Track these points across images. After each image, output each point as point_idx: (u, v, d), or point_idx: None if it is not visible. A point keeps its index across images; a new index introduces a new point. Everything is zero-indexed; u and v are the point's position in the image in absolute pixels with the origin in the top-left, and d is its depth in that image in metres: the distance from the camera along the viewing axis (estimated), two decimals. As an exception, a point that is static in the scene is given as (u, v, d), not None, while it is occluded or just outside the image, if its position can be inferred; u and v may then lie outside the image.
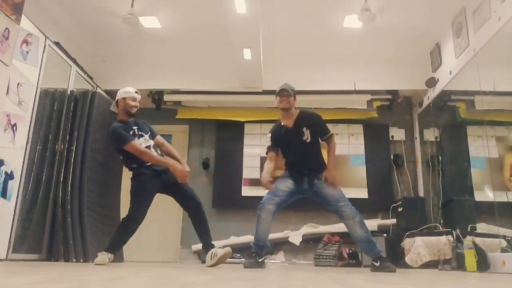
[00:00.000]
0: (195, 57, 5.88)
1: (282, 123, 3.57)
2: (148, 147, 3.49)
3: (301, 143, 3.43)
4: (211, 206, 6.03)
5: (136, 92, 3.65)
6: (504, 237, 3.83)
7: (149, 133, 3.62)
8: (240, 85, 5.81)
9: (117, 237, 3.48)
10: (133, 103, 3.58)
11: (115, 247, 3.46)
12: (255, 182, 6.11)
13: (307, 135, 3.43)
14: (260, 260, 3.34)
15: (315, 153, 3.50)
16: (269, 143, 3.58)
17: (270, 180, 3.39)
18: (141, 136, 3.52)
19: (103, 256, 3.27)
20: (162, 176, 3.47)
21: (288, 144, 3.51)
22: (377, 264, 3.19)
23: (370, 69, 5.79)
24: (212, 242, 3.49)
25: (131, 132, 3.48)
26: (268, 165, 3.49)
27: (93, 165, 4.39)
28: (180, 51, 5.88)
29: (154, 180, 3.45)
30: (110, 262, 3.32)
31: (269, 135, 3.62)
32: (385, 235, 5.09)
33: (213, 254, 3.31)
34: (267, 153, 3.59)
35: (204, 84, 5.88)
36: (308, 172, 3.42)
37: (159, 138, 3.69)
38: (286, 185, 3.43)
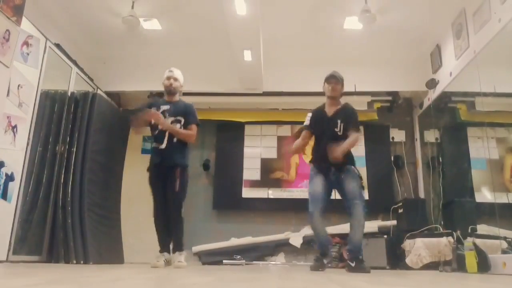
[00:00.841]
0: (195, 59, 5.88)
1: (325, 109, 3.66)
2: (164, 131, 3.52)
3: (334, 133, 3.50)
4: (211, 208, 6.03)
5: (170, 71, 3.71)
6: (505, 238, 3.82)
7: (180, 118, 3.59)
8: (240, 86, 5.81)
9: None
10: (166, 82, 3.67)
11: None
12: (255, 184, 6.12)
13: (339, 128, 3.51)
14: (325, 262, 3.49)
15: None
16: (307, 122, 3.67)
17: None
18: (164, 117, 3.55)
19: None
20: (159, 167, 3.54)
21: (322, 131, 3.58)
22: (353, 264, 3.30)
23: (371, 70, 5.79)
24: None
25: (154, 109, 3.55)
26: (300, 142, 3.65)
27: (94, 167, 4.39)
28: (180, 52, 5.88)
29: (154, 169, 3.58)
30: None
31: (310, 114, 3.70)
32: (385, 236, 5.08)
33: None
34: (301, 130, 3.71)
35: (205, 85, 5.88)
36: (334, 163, 3.44)
37: (190, 127, 3.63)
38: (320, 185, 3.49)
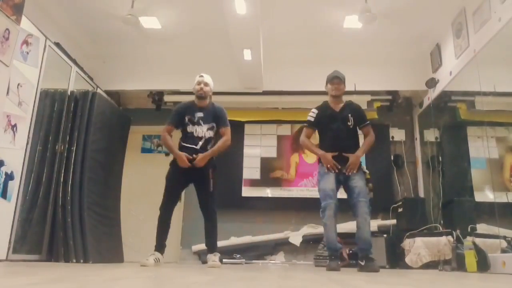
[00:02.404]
0: (195, 58, 5.87)
1: (330, 106, 3.74)
2: (200, 137, 3.61)
3: (345, 127, 3.61)
4: (211, 207, 6.03)
5: (200, 76, 3.79)
6: (504, 237, 3.82)
7: (213, 124, 3.69)
8: (240, 85, 5.80)
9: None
10: (197, 87, 3.74)
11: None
12: (255, 183, 6.12)
13: (351, 121, 3.63)
14: (338, 262, 3.50)
15: (354, 141, 3.67)
16: (311, 119, 3.73)
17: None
18: (199, 124, 3.64)
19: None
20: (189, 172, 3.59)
21: (331, 127, 3.63)
22: (363, 263, 3.33)
23: (371, 69, 5.79)
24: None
25: (191, 117, 3.63)
26: (311, 142, 3.71)
27: (93, 166, 4.39)
28: (180, 51, 5.88)
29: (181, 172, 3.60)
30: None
31: (315, 110, 3.75)
32: (385, 235, 5.08)
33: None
34: (304, 127, 3.78)
35: (204, 84, 5.87)
36: (346, 154, 3.53)
37: (223, 130, 3.74)
38: (332, 182, 3.53)
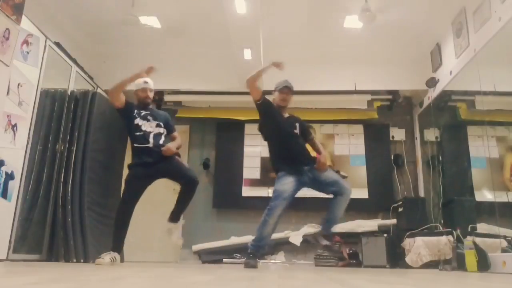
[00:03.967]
0: (195, 57, 5.88)
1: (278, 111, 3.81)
2: (149, 132, 3.62)
3: (295, 135, 3.69)
4: (211, 206, 6.03)
5: (145, 82, 3.77)
6: (505, 237, 3.82)
7: (161, 124, 3.73)
8: (240, 85, 5.78)
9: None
10: (141, 94, 3.76)
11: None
12: (255, 182, 6.12)
13: (298, 130, 3.73)
14: (256, 260, 3.49)
15: (305, 146, 3.77)
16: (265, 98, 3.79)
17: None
18: (147, 120, 3.67)
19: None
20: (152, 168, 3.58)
21: (283, 133, 3.69)
22: (326, 242, 3.58)
23: (371, 69, 5.79)
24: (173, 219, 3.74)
25: (138, 111, 3.68)
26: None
27: (94, 165, 4.39)
28: (180, 51, 5.88)
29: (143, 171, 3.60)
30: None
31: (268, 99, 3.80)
32: (385, 235, 5.09)
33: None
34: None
35: (205, 84, 5.88)
36: (307, 162, 3.59)
37: (174, 135, 3.86)
38: (290, 185, 3.55)
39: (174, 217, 3.71)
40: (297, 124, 3.76)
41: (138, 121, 3.65)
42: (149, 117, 3.69)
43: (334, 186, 3.55)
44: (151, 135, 3.62)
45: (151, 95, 3.80)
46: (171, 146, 3.61)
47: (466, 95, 5.19)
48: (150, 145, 3.57)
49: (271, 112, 3.73)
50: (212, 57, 5.83)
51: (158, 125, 3.71)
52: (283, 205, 3.50)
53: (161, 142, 3.64)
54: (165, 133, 3.73)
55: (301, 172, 3.56)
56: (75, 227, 4.02)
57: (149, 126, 3.66)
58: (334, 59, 5.84)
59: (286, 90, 3.79)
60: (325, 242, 3.53)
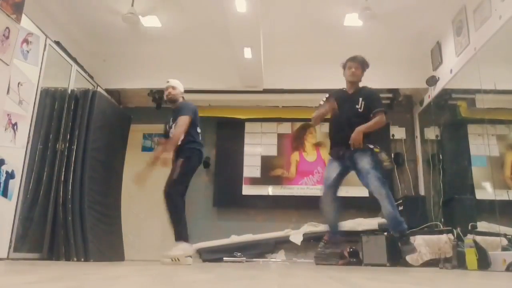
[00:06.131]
0: (195, 56, 5.87)
1: (344, 89, 3.65)
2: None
3: (354, 111, 3.46)
4: (211, 205, 6.04)
5: (167, 81, 4.00)
6: (505, 235, 3.83)
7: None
8: (240, 84, 5.80)
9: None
10: (165, 93, 4.00)
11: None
12: (255, 181, 6.12)
13: (360, 105, 3.47)
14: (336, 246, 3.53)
15: (354, 125, 3.44)
16: (324, 100, 3.51)
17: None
18: (170, 126, 3.91)
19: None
20: None
21: (341, 110, 3.48)
22: (400, 243, 3.30)
23: (371, 67, 5.70)
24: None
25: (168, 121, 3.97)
26: (320, 110, 3.49)
27: (94, 164, 4.39)
28: (180, 50, 5.87)
29: None
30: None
31: (327, 95, 3.55)
32: (385, 233, 5.08)
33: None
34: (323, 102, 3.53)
35: (205, 83, 5.88)
36: (347, 143, 3.37)
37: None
38: (335, 170, 3.48)
39: (175, 236, 3.77)
40: (360, 99, 3.47)
41: (168, 128, 3.93)
42: (171, 121, 3.90)
43: (363, 178, 3.36)
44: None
45: (174, 93, 3.94)
46: (155, 153, 3.82)
47: (467, 93, 5.18)
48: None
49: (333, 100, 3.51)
50: (212, 55, 5.83)
51: (175, 125, 3.85)
52: (331, 191, 3.45)
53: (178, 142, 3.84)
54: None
55: (342, 156, 3.44)
56: (75, 226, 4.02)
57: (171, 130, 3.86)
58: (334, 57, 5.78)
59: (352, 63, 3.60)
60: (404, 247, 3.28)
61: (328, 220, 3.53)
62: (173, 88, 3.94)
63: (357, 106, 3.46)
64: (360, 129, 3.33)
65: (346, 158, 3.44)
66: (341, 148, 3.44)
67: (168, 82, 3.98)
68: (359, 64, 3.59)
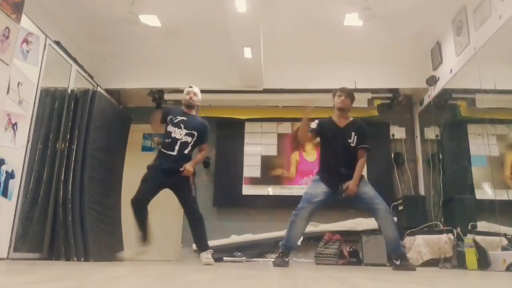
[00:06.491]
0: (195, 56, 5.87)
1: (334, 120, 3.67)
2: (177, 139, 3.80)
3: (346, 144, 3.53)
4: (211, 205, 6.03)
5: (190, 86, 4.05)
6: (505, 235, 3.83)
7: (194, 133, 3.85)
8: (240, 83, 5.80)
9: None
10: (186, 97, 4.00)
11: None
12: (255, 181, 6.12)
13: (353, 139, 3.55)
14: (286, 259, 3.50)
15: (354, 159, 3.55)
16: (314, 127, 3.62)
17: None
18: (178, 127, 3.83)
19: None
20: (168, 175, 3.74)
21: (332, 142, 3.58)
22: (398, 262, 3.30)
23: (371, 67, 5.78)
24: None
25: (172, 118, 3.87)
26: (303, 130, 3.55)
27: (94, 164, 4.39)
28: (180, 50, 5.88)
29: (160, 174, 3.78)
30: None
31: (317, 121, 3.66)
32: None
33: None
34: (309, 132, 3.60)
35: (205, 82, 5.86)
36: (345, 172, 3.46)
37: (204, 146, 4.01)
38: (321, 190, 3.51)
39: (200, 247, 3.85)
40: (353, 133, 3.57)
41: (170, 127, 3.85)
42: (181, 124, 3.84)
43: (368, 206, 3.44)
44: (178, 143, 3.79)
45: (195, 99, 3.99)
46: (189, 167, 3.74)
47: (467, 93, 5.19)
48: (174, 153, 3.76)
49: (323, 132, 3.63)
50: (212, 55, 5.83)
51: (188, 134, 3.83)
52: (310, 208, 3.48)
53: (186, 151, 3.82)
54: (193, 143, 3.85)
55: (335, 188, 3.48)
56: (75, 226, 4.02)
57: (178, 134, 3.82)
58: (334, 57, 5.84)
59: (343, 93, 3.61)
60: (398, 265, 3.27)
61: (294, 234, 3.51)
62: (195, 94, 4.00)
63: (349, 140, 3.56)
64: (356, 182, 3.44)
65: (340, 191, 3.47)
66: (335, 178, 3.50)
67: (191, 87, 4.02)
68: (348, 95, 3.65)
